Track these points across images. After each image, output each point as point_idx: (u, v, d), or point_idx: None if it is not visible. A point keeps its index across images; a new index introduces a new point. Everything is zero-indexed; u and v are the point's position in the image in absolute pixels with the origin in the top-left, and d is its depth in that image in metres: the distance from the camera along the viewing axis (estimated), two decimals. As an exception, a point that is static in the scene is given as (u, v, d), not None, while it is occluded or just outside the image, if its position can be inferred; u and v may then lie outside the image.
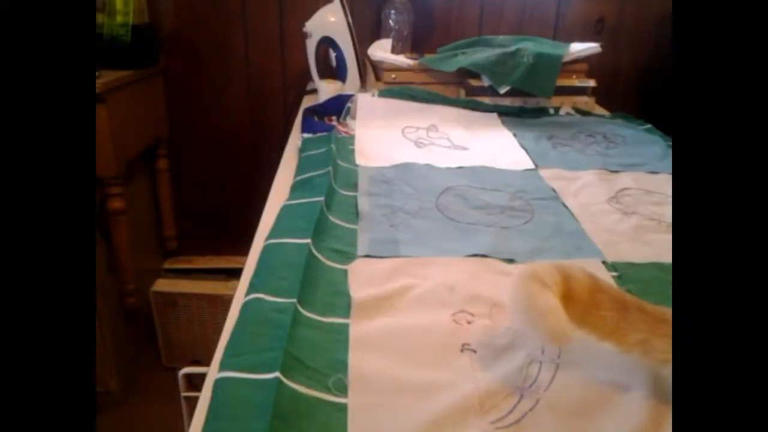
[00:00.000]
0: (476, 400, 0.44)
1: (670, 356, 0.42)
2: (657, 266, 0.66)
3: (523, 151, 1.04)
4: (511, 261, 0.66)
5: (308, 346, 0.49)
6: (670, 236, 0.74)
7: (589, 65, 1.36)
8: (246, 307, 0.53)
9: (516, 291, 0.46)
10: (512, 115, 1.25)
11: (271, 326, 0.50)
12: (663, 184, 0.91)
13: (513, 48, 1.29)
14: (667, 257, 0.68)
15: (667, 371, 0.44)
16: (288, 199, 0.77)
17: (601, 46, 1.33)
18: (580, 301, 0.46)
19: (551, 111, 1.29)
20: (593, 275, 0.48)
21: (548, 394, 0.45)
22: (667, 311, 0.45)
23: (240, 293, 0.56)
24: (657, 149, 1.06)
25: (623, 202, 0.84)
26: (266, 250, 0.63)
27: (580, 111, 1.31)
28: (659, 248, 0.70)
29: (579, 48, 1.33)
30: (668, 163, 1.00)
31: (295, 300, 0.53)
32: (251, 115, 1.75)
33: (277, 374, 0.43)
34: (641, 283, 0.62)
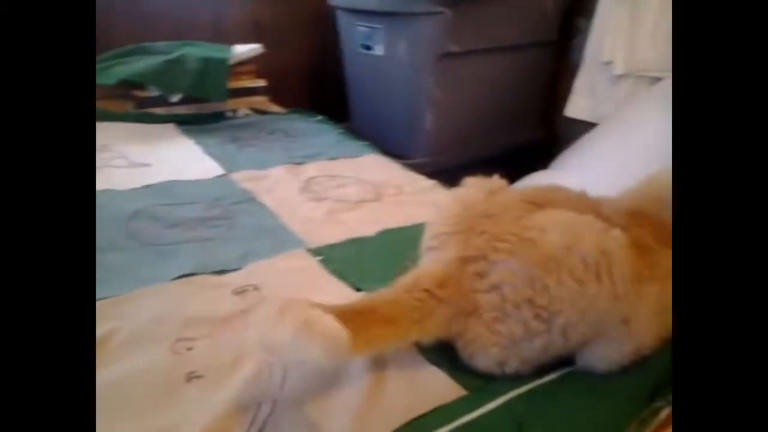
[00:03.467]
0: (216, 427, 0.42)
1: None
2: (353, 242, 0.73)
3: (209, 159, 1.02)
4: (222, 272, 0.65)
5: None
6: (358, 213, 0.83)
7: (258, 66, 1.40)
8: None
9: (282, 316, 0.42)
10: (190, 123, 1.21)
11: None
12: (342, 168, 1.00)
13: (176, 54, 1.24)
14: (359, 232, 0.76)
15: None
16: None
17: (264, 47, 1.38)
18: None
19: (229, 114, 1.29)
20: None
21: (284, 392, 0.46)
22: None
23: None
24: (331, 138, 1.17)
25: (313, 191, 0.90)
26: None
27: (257, 111, 1.34)
28: (351, 226, 0.78)
29: (242, 50, 1.36)
30: (343, 149, 1.10)
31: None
32: None
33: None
34: (343, 260, 0.68)
